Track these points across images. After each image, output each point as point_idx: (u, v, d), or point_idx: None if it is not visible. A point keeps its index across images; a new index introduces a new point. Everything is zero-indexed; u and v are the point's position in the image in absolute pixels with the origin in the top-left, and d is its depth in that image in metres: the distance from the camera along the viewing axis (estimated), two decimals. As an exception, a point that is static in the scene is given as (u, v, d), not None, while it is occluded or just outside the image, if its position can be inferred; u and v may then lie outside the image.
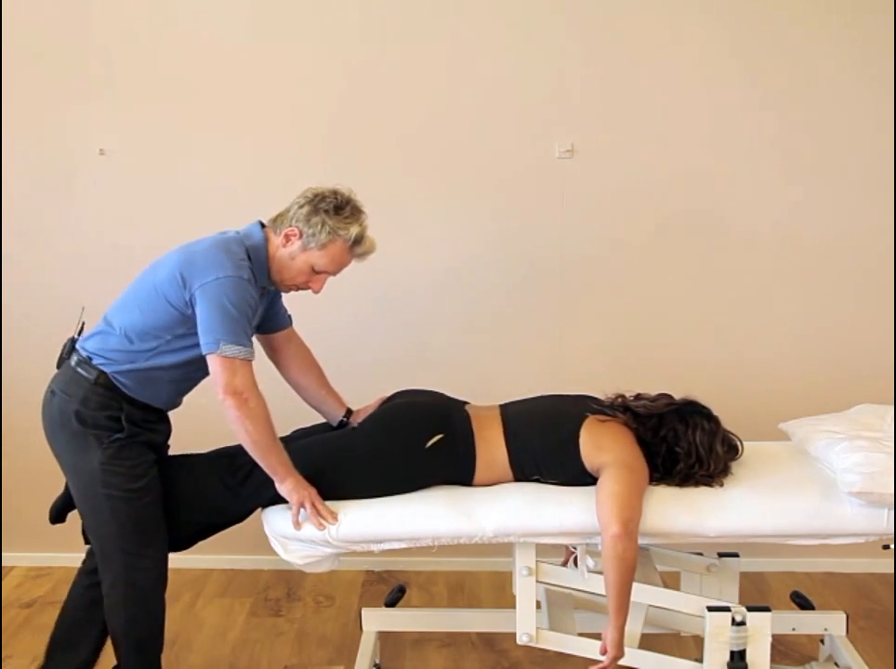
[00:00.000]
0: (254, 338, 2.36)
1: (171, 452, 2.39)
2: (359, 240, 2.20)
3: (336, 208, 2.19)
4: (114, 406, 2.18)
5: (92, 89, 3.13)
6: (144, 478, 2.20)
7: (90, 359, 2.20)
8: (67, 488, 2.29)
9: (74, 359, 2.22)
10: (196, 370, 2.20)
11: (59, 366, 2.28)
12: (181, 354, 2.19)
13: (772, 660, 2.14)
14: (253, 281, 2.15)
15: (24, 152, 3.17)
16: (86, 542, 2.32)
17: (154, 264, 2.23)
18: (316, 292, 2.28)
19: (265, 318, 2.37)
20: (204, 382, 2.26)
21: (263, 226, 2.28)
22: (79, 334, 2.30)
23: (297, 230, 2.19)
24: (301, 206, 2.21)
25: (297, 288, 2.29)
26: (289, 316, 2.48)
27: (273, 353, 2.49)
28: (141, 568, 2.22)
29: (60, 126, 3.15)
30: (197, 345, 2.11)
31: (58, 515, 2.34)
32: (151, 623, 2.30)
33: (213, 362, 2.09)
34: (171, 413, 2.37)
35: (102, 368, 2.18)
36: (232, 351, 2.07)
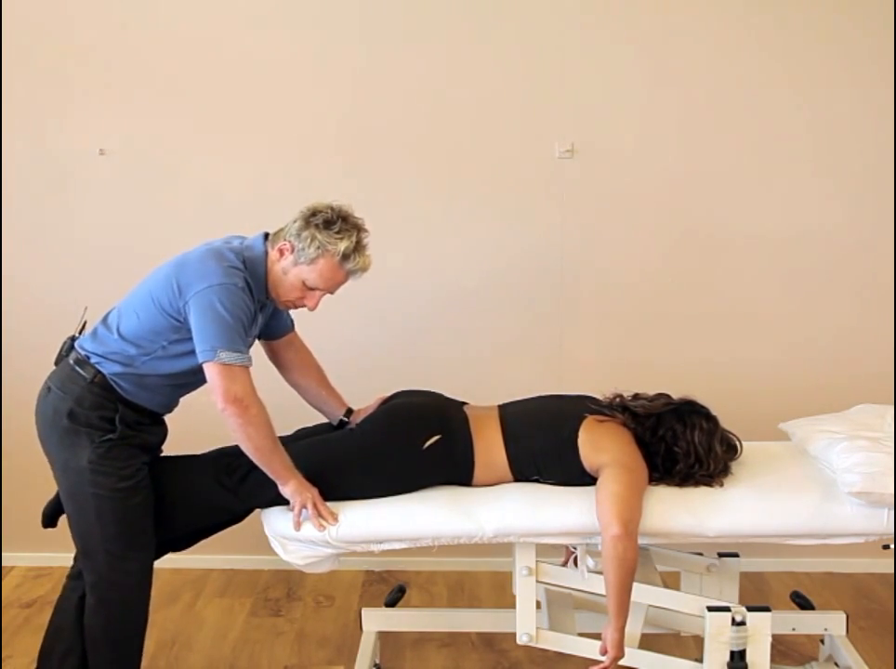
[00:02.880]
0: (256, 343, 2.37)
1: (170, 451, 2.39)
2: (347, 255, 2.14)
3: (326, 223, 2.14)
4: (109, 407, 2.18)
5: (92, 89, 3.13)
6: (133, 480, 2.18)
7: (88, 358, 2.19)
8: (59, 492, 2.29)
9: (73, 357, 2.22)
10: (193, 376, 2.19)
11: (56, 363, 2.27)
12: (178, 360, 2.18)
13: (772, 660, 2.14)
14: (247, 289, 2.13)
15: (24, 152, 3.17)
16: None
17: (154, 270, 2.22)
18: (311, 309, 2.23)
19: (267, 324, 2.37)
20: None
21: (268, 237, 2.26)
22: (80, 332, 2.30)
23: (290, 245, 2.17)
24: (296, 221, 2.18)
25: (294, 305, 2.26)
26: (291, 320, 2.47)
27: (274, 356, 2.49)
28: (125, 570, 2.21)
29: (60, 126, 3.15)
30: (193, 351, 2.10)
31: (50, 518, 2.33)
32: (131, 625, 2.28)
33: (210, 370, 2.07)
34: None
35: (99, 368, 2.18)
36: (230, 358, 2.06)
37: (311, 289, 2.19)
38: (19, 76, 3.12)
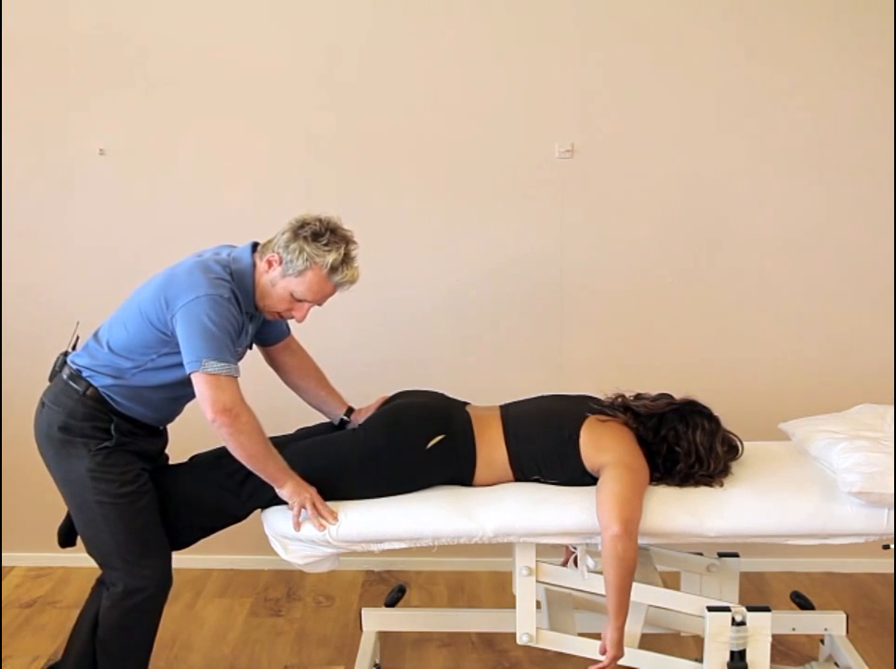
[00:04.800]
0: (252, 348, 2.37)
1: (172, 454, 2.39)
2: (335, 268, 2.15)
3: (314, 235, 2.15)
4: (103, 418, 2.18)
5: (92, 89, 3.12)
6: (135, 484, 2.19)
7: (80, 372, 2.20)
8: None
9: (66, 372, 2.22)
10: (184, 387, 2.18)
11: (51, 379, 2.27)
12: (168, 372, 2.18)
13: (772, 660, 2.14)
14: (234, 300, 2.13)
15: (24, 152, 3.16)
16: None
17: (144, 284, 2.23)
18: (299, 321, 2.24)
19: (262, 330, 2.37)
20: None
21: (256, 248, 2.26)
22: (73, 348, 2.30)
23: (278, 257, 2.17)
24: (284, 233, 2.19)
25: (281, 316, 2.26)
26: (287, 326, 2.46)
27: (272, 361, 2.49)
28: (142, 576, 2.20)
29: (60, 126, 3.15)
30: (182, 364, 2.10)
31: (66, 537, 2.33)
32: (145, 629, 2.28)
33: (198, 381, 2.07)
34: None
35: (91, 381, 2.18)
36: (216, 368, 2.05)
37: (299, 301, 2.20)
38: (19, 77, 3.12)
